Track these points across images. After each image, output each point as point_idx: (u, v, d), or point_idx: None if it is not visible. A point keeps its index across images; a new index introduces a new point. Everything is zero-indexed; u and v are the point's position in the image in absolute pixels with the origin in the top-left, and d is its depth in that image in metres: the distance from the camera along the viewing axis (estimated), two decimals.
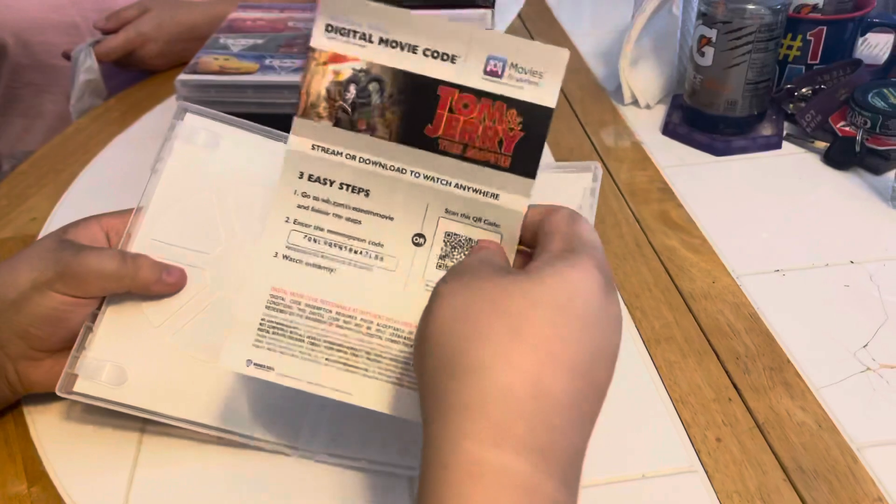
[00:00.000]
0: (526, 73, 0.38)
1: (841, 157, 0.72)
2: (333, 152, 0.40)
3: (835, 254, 0.61)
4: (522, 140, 0.39)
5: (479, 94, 0.39)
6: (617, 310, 0.34)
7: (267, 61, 0.77)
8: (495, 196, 0.39)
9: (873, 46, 0.87)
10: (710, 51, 0.73)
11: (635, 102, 0.84)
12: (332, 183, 0.41)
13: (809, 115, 0.75)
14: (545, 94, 0.38)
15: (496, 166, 0.39)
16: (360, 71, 0.40)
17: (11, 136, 1.08)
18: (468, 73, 0.39)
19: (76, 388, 0.47)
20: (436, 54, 0.39)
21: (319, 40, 0.40)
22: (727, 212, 0.67)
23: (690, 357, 0.53)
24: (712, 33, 0.72)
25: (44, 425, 0.50)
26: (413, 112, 0.39)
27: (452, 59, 0.39)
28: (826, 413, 0.48)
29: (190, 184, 0.52)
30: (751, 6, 0.70)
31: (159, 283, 0.48)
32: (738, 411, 0.49)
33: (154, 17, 0.93)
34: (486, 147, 0.39)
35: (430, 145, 0.39)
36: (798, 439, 0.47)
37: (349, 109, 0.40)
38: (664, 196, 0.69)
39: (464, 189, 0.40)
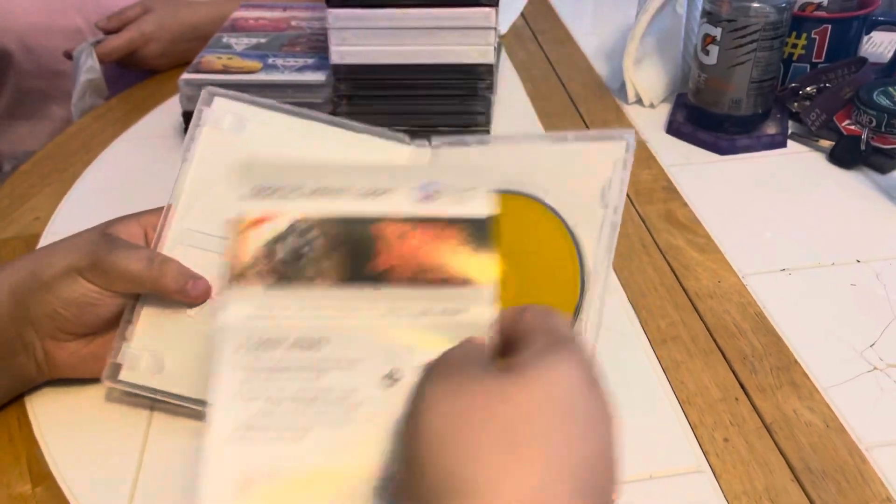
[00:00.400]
0: (458, 192, 0.38)
1: (846, 155, 0.72)
2: (276, 314, 0.37)
3: (841, 253, 0.61)
4: (471, 252, 0.37)
5: (416, 220, 0.37)
6: (607, 401, 0.32)
7: (270, 60, 0.76)
8: (460, 312, 0.37)
9: (878, 45, 0.87)
10: (714, 49, 0.72)
11: (639, 101, 0.83)
12: (281, 343, 0.37)
13: (814, 113, 0.75)
14: (480, 205, 0.38)
15: (453, 284, 0.37)
16: (290, 227, 0.38)
17: (15, 139, 1.08)
18: (402, 203, 0.37)
19: (121, 377, 0.48)
20: (366, 193, 0.38)
21: (241, 206, 0.39)
22: (732, 211, 0.67)
23: (697, 357, 0.53)
24: (717, 32, 0.72)
25: (48, 425, 0.49)
26: (354, 253, 0.37)
27: (384, 192, 0.38)
28: (834, 413, 0.48)
29: (219, 169, 0.52)
30: (756, 4, 0.70)
31: (182, 293, 0.48)
32: (745, 411, 0.49)
33: (156, 18, 0.93)
34: (436, 268, 0.37)
35: (379, 280, 0.37)
36: (806, 439, 0.47)
37: (283, 267, 0.37)
38: (669, 195, 0.69)
39: (426, 315, 0.37)
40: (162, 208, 0.51)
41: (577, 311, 0.46)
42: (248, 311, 0.37)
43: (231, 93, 0.54)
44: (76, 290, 0.47)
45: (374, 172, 0.38)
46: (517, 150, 0.52)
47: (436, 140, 0.55)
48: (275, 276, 0.37)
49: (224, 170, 0.52)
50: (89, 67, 0.88)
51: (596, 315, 0.45)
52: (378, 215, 0.37)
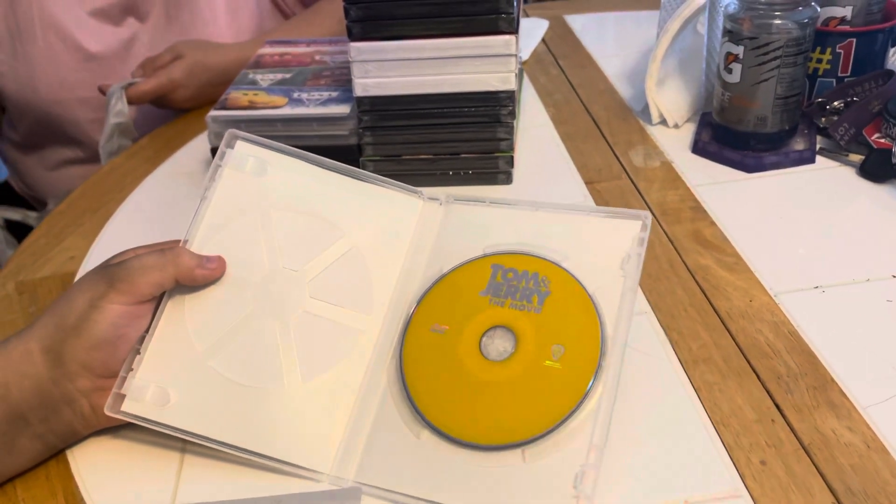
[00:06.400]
0: None
1: (877, 169, 0.71)
2: None
3: (875, 268, 0.60)
4: None
5: None
6: None
7: (295, 94, 0.78)
8: None
9: None
10: (737, 67, 0.72)
11: (663, 122, 0.83)
12: None
13: (843, 127, 0.74)
14: None
15: None
16: None
17: (65, 180, 1.11)
18: None
19: (124, 408, 0.48)
20: None
21: None
22: (762, 229, 0.66)
23: (730, 378, 0.52)
24: (739, 50, 0.71)
25: (84, 461, 0.50)
26: None
27: None
28: (874, 433, 0.47)
29: (237, 209, 0.54)
30: (777, 21, 0.69)
31: (201, 268, 0.50)
32: (781, 433, 0.48)
33: (186, 65, 0.94)
34: None
35: None
36: (846, 460, 0.46)
37: None
38: (696, 215, 0.68)
39: None
40: (160, 243, 0.52)
41: (597, 372, 0.47)
42: None
43: (254, 137, 0.55)
44: (105, 320, 0.47)
45: None
46: (533, 216, 0.54)
47: (447, 196, 0.57)
48: None
49: (242, 209, 0.54)
50: (118, 111, 0.90)
51: (614, 378, 0.47)
52: None
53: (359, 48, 0.69)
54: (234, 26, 1.06)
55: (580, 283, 0.50)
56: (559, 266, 0.51)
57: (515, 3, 0.69)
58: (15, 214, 1.11)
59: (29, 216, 1.10)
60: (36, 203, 1.18)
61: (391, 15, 0.68)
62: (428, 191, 0.58)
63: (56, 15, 0.98)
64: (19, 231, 1.09)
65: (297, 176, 0.56)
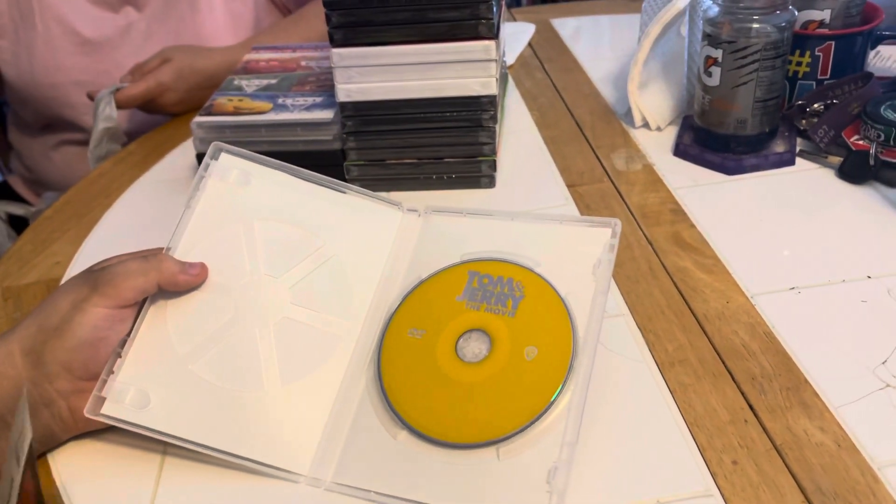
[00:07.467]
0: None
1: (855, 171, 0.71)
2: None
3: (851, 269, 0.61)
4: None
5: None
6: None
7: (280, 100, 0.78)
8: None
9: (886, 59, 0.86)
10: (716, 71, 0.73)
11: (646, 125, 0.84)
12: None
13: (822, 130, 0.74)
14: None
15: None
16: None
17: (67, 163, 1.12)
18: None
19: (103, 411, 0.48)
20: None
21: None
22: (740, 231, 0.67)
23: (705, 379, 0.52)
24: (718, 53, 0.72)
25: (65, 465, 0.50)
26: None
27: None
28: (845, 432, 0.48)
29: (220, 218, 0.55)
30: (755, 25, 0.70)
31: (184, 273, 0.51)
32: (754, 433, 0.48)
33: (174, 68, 0.95)
34: None
35: None
36: (817, 460, 0.46)
37: None
38: (676, 217, 0.69)
39: None
40: (158, 249, 0.53)
41: (569, 372, 0.48)
42: None
43: (237, 150, 0.56)
44: (88, 323, 0.48)
45: None
46: (509, 225, 0.56)
47: (425, 207, 0.58)
48: None
49: (225, 219, 0.54)
50: (106, 116, 0.90)
51: (585, 377, 0.48)
52: None
53: (340, 54, 0.70)
54: (230, 18, 1.06)
55: (553, 288, 0.51)
56: (533, 271, 0.53)
57: (496, 9, 0.70)
58: (18, 209, 1.12)
59: (30, 210, 1.12)
60: (38, 188, 1.19)
61: (372, 21, 0.68)
62: (407, 203, 0.59)
63: (55, 0, 1.00)
64: (21, 227, 1.10)
65: (280, 187, 0.57)
